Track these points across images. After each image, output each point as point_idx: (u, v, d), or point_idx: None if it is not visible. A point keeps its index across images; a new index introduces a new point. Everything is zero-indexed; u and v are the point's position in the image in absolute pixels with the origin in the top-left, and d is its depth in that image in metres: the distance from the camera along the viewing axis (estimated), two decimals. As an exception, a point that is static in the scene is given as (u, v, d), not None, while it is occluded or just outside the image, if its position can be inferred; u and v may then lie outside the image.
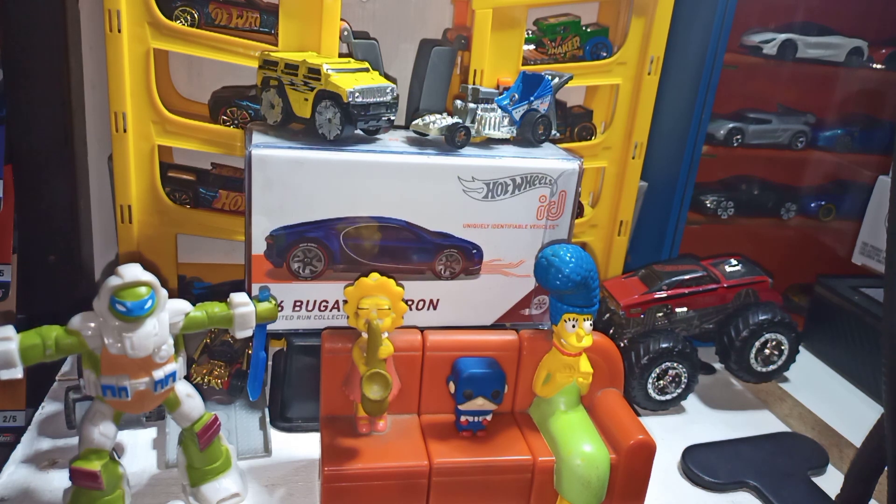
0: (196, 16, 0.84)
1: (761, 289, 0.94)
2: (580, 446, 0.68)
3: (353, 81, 0.73)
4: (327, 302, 0.76)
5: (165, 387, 0.62)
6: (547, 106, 0.82)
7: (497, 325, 0.82)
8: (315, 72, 0.73)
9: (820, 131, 1.16)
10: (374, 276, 0.68)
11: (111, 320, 0.57)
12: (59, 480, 0.70)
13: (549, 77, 0.82)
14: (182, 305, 0.63)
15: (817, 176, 1.19)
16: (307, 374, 0.79)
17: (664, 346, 0.87)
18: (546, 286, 0.70)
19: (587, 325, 0.70)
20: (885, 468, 0.59)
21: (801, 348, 0.94)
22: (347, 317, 0.69)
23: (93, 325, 0.58)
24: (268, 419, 0.81)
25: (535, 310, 0.83)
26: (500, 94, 0.81)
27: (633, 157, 0.98)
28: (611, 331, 0.92)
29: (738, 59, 1.06)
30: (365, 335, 0.67)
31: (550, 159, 0.78)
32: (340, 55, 0.84)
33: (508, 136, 0.81)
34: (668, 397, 0.90)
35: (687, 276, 0.92)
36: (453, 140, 0.76)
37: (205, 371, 0.81)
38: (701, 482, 0.79)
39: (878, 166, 1.16)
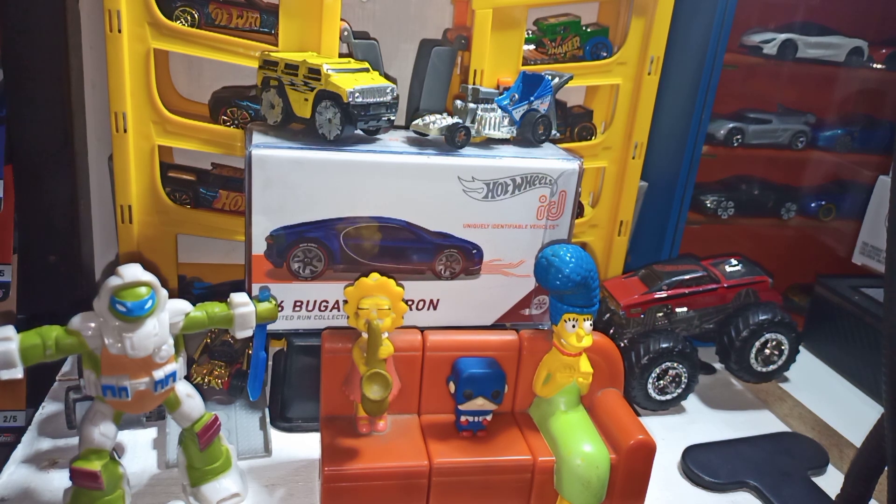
0: (196, 16, 0.84)
1: (761, 289, 0.94)
2: (580, 446, 0.68)
3: (353, 81, 0.73)
4: (327, 302, 0.76)
5: (165, 387, 0.62)
6: (547, 106, 0.82)
7: (497, 325, 0.82)
8: (315, 72, 0.73)
9: (820, 131, 1.15)
10: (374, 276, 0.68)
11: (111, 320, 0.57)
12: (59, 480, 0.70)
13: (549, 77, 0.82)
14: (182, 305, 0.63)
15: (817, 176, 1.19)
16: (307, 374, 0.79)
17: (664, 346, 0.87)
18: (546, 286, 0.70)
19: (587, 325, 0.70)
20: (885, 468, 0.59)
21: (801, 348, 0.94)
22: (347, 317, 0.69)
23: (93, 325, 0.58)
24: (268, 419, 0.81)
25: (535, 310, 0.83)
26: (500, 94, 0.81)
27: (633, 157, 0.98)
28: (611, 331, 0.92)
29: (738, 59, 1.06)
30: (365, 335, 0.67)
31: (550, 159, 0.78)
32: (340, 55, 0.84)
33: (508, 136, 0.81)
34: (668, 397, 0.90)
35: (687, 276, 0.92)
36: (453, 140, 0.76)
37: (205, 371, 0.81)
38: (701, 482, 0.79)
39: (878, 166, 1.16)
